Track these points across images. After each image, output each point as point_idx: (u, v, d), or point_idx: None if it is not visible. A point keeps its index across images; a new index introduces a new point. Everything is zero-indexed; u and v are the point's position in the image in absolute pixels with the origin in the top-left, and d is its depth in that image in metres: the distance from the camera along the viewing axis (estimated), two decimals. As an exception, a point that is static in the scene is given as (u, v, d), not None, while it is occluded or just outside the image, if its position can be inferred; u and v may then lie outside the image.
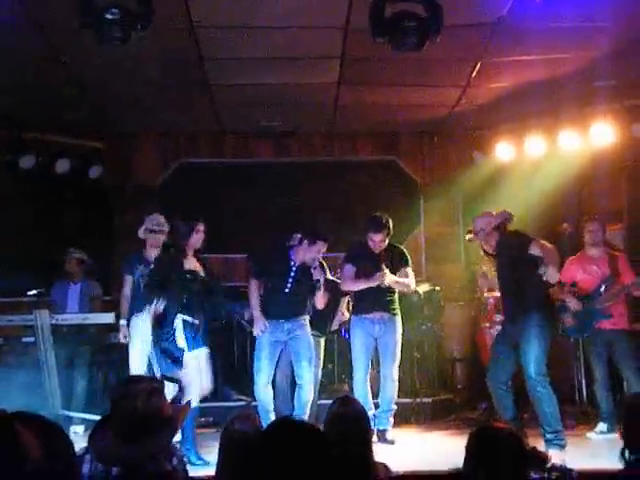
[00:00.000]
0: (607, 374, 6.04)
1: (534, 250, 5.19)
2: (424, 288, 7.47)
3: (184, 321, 5.22)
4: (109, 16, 4.27)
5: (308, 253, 5.73)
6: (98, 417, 3.19)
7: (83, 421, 6.31)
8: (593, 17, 5.44)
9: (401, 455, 5.45)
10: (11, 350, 6.42)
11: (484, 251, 5.60)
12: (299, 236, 5.94)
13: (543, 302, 5.33)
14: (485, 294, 7.41)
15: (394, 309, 6.00)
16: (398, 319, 6.02)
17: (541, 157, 8.00)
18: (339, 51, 6.11)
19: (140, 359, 5.93)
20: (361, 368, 5.89)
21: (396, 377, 5.98)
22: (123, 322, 6.13)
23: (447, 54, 5.96)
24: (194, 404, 5.09)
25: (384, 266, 5.78)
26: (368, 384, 5.93)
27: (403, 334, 6.06)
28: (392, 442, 5.86)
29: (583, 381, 6.61)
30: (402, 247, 6.20)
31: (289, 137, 8.71)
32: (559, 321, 5.96)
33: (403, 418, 6.52)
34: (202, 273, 5.42)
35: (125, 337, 6.09)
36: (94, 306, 7.08)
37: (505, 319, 5.62)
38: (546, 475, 2.66)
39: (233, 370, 7.48)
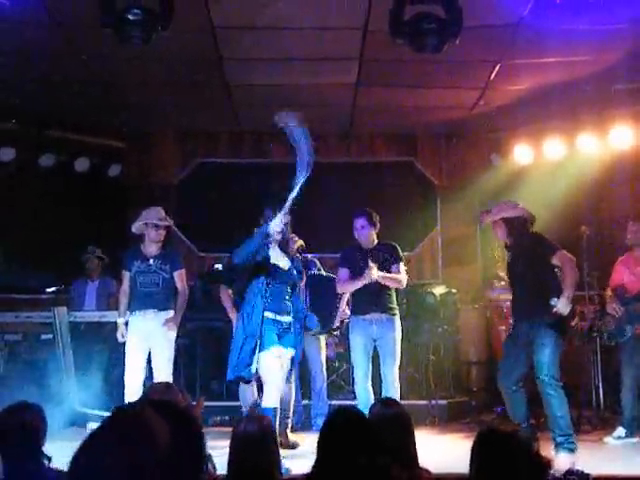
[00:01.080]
0: (636, 380, 5.96)
1: (555, 261, 5.21)
2: (440, 290, 7.44)
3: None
4: (130, 16, 4.30)
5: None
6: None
7: (100, 418, 6.35)
8: (612, 19, 5.41)
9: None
10: (29, 347, 6.46)
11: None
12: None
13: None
14: (501, 297, 7.39)
15: (392, 309, 5.91)
16: (396, 319, 5.88)
17: (560, 160, 7.95)
18: (358, 52, 6.12)
19: (137, 358, 5.76)
20: (360, 370, 5.84)
21: (396, 377, 5.82)
22: (121, 320, 5.91)
23: (466, 56, 5.95)
24: (270, 405, 4.89)
25: (370, 262, 5.68)
26: (369, 385, 5.88)
27: (419, 336, 6.03)
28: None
29: (600, 386, 6.56)
30: (394, 243, 6.06)
31: (307, 138, 8.70)
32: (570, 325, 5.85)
33: (418, 420, 6.50)
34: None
35: (123, 336, 5.86)
36: (111, 304, 7.12)
37: (519, 317, 5.44)
38: (563, 479, 2.65)
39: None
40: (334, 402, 6.49)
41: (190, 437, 1.77)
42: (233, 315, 5.97)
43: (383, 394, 5.90)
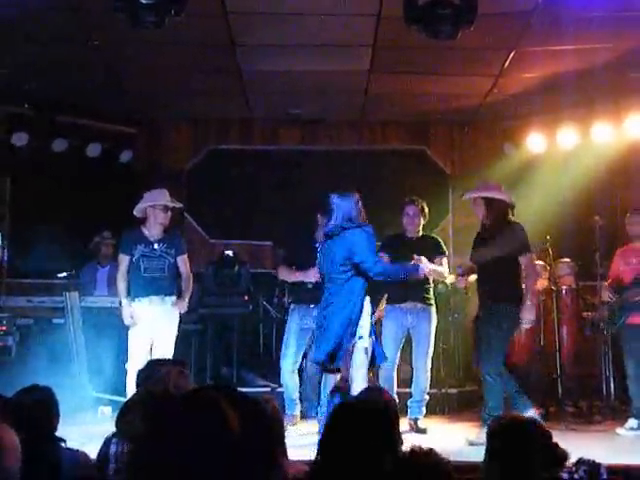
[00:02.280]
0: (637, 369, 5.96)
1: (522, 262, 5.47)
2: (451, 279, 7.42)
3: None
4: (143, 0, 4.28)
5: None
6: (125, 398, 3.23)
7: (110, 402, 6.38)
8: (629, 6, 5.35)
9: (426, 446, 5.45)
10: (41, 331, 6.50)
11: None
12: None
13: (515, 294, 5.45)
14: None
15: (429, 299, 5.95)
16: (432, 309, 5.96)
17: (573, 149, 7.89)
18: (371, 39, 6.07)
19: (141, 346, 5.66)
20: (389, 357, 5.86)
21: (429, 367, 5.96)
22: (125, 301, 5.69)
23: (480, 43, 5.90)
24: None
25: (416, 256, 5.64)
26: (394, 373, 5.91)
27: (430, 324, 6.03)
28: (424, 431, 5.83)
29: (611, 377, 6.53)
30: (438, 237, 6.15)
31: (318, 125, 8.69)
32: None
33: (429, 409, 6.50)
34: None
35: (131, 317, 5.66)
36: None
37: (480, 300, 5.63)
38: (574, 469, 2.64)
39: (258, 356, 7.53)
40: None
41: (260, 426, 1.81)
42: (301, 275, 5.89)
43: (414, 382, 5.93)
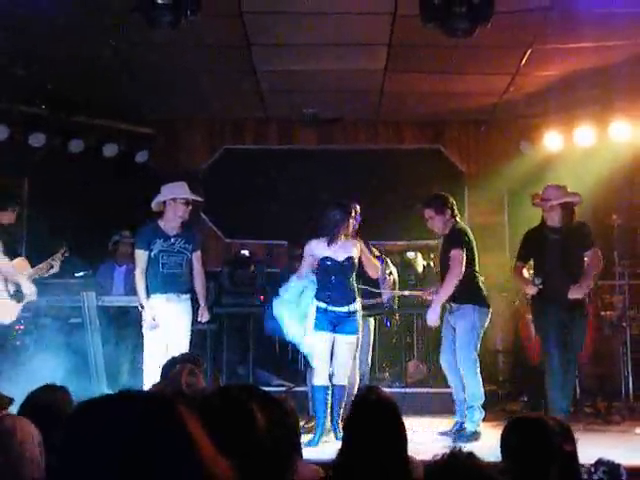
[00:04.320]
0: None
1: (588, 255, 5.68)
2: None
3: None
4: (160, 1, 4.30)
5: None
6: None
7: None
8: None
9: (442, 446, 5.43)
10: (58, 331, 6.53)
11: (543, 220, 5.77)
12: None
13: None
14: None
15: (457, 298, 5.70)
16: (465, 307, 5.66)
17: (591, 147, 7.83)
18: (387, 38, 6.05)
19: (158, 343, 5.53)
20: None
21: (466, 371, 5.63)
22: (147, 303, 5.52)
23: (497, 41, 5.87)
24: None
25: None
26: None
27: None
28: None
29: (630, 376, 6.48)
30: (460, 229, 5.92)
31: (334, 124, 8.68)
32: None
33: (446, 409, 6.47)
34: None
35: (154, 319, 5.49)
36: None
37: (549, 298, 5.59)
38: (593, 470, 2.62)
39: (274, 356, 7.53)
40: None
41: (282, 419, 1.87)
42: None
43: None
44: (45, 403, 2.92)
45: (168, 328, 5.63)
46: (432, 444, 5.21)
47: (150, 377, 5.53)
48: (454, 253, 5.58)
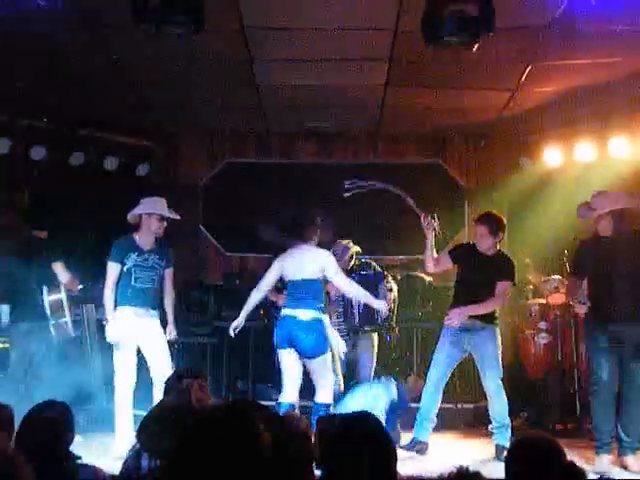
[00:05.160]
0: None
1: None
2: (584, 309, 7.28)
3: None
4: (164, 16, 4.32)
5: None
6: (143, 412, 3.23)
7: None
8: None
9: (440, 461, 5.41)
10: (58, 343, 6.50)
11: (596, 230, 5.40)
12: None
13: None
14: (529, 301, 7.32)
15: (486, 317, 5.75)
16: (491, 327, 5.77)
17: (590, 163, 7.85)
18: (387, 53, 6.08)
19: (129, 356, 5.51)
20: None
21: (498, 389, 5.76)
22: (112, 318, 5.51)
23: (497, 57, 5.89)
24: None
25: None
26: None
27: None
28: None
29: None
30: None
31: (334, 138, 8.71)
32: None
33: (444, 424, 6.45)
34: None
35: (115, 332, 5.48)
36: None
37: (617, 316, 5.11)
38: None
39: (274, 370, 7.50)
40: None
41: (285, 435, 1.92)
42: None
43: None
44: (45, 421, 2.91)
45: (137, 338, 5.56)
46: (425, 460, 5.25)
47: (122, 391, 5.48)
48: (505, 285, 5.62)
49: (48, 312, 5.83)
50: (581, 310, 5.35)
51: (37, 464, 2.77)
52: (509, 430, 5.63)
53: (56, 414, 2.98)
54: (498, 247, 5.79)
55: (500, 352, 5.74)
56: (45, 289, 5.82)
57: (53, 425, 2.90)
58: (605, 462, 5.08)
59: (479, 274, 5.63)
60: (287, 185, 8.59)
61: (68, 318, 5.89)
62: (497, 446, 5.60)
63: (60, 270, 5.84)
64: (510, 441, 5.16)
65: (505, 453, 2.56)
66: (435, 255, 5.79)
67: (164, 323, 5.80)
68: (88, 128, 7.90)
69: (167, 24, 4.31)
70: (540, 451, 2.46)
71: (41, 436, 2.79)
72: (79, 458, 2.98)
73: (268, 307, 6.84)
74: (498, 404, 5.67)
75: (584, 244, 5.56)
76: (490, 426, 5.73)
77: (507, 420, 5.66)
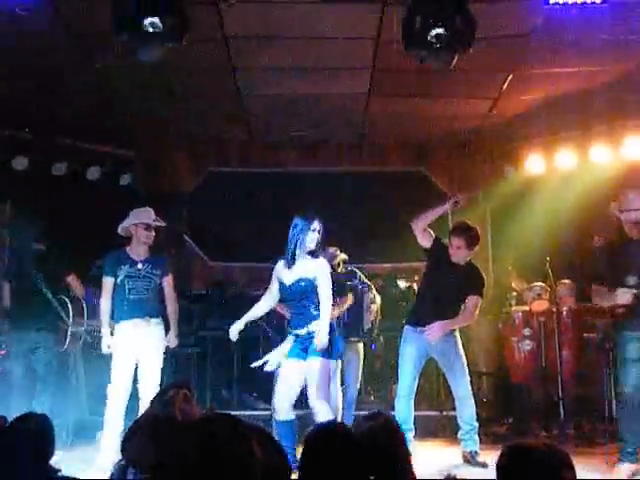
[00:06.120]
0: None
1: None
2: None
3: None
4: (145, 29, 4.31)
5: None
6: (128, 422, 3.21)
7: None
8: (629, 29, 5.38)
9: (424, 468, 5.40)
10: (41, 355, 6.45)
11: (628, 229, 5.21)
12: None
13: None
14: (513, 308, 7.34)
15: None
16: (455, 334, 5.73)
17: (572, 170, 7.91)
18: (370, 62, 6.11)
19: (126, 371, 5.48)
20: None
21: (468, 392, 5.76)
22: (106, 330, 5.56)
23: (479, 66, 5.94)
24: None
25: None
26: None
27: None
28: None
29: (613, 398, 6.48)
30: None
31: (318, 147, 8.72)
32: None
33: (428, 431, 6.46)
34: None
35: (108, 347, 5.51)
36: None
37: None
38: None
39: (259, 379, 7.47)
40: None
41: (274, 451, 2.09)
42: None
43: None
44: (25, 433, 2.88)
45: (137, 353, 5.55)
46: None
47: (115, 405, 5.43)
48: (475, 300, 5.58)
49: (70, 320, 5.98)
50: (624, 299, 4.95)
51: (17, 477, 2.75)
52: (477, 433, 5.68)
53: (36, 427, 2.94)
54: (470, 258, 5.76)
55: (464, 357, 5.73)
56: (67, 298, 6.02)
57: (33, 438, 2.86)
58: (624, 471, 5.00)
59: (448, 283, 5.59)
60: (271, 194, 8.59)
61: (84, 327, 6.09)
62: (470, 453, 5.60)
63: (75, 283, 6.11)
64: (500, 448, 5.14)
65: (500, 459, 2.51)
66: (429, 222, 5.73)
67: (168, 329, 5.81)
68: (71, 138, 7.86)
69: (148, 35, 4.28)
70: (535, 460, 2.41)
71: (20, 449, 2.76)
72: (59, 471, 2.95)
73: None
74: (469, 407, 5.68)
75: (616, 245, 5.37)
76: (460, 432, 5.72)
77: (475, 422, 5.71)
